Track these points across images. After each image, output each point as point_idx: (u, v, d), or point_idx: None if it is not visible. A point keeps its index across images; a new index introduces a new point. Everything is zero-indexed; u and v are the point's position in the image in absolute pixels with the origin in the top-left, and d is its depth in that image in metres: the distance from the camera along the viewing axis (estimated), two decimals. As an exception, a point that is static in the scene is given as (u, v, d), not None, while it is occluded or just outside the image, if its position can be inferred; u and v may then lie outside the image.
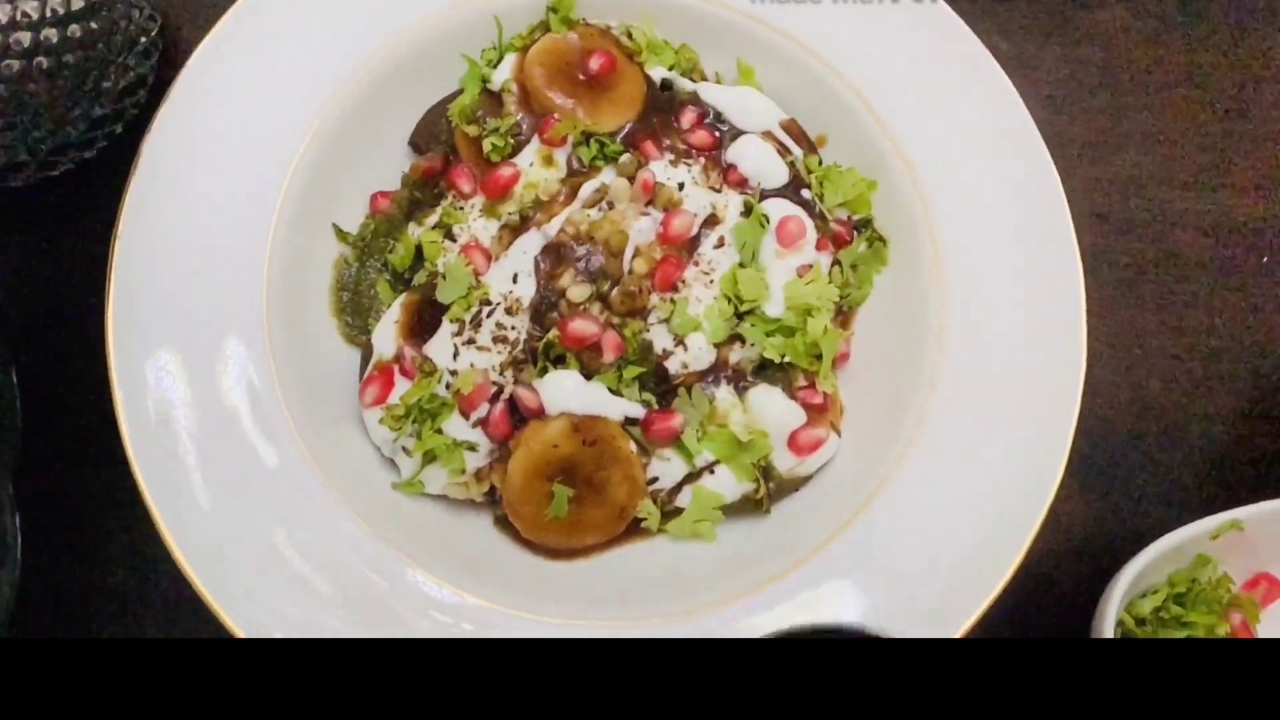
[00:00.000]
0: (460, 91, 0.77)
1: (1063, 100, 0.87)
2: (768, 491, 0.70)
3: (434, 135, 0.77)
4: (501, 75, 0.76)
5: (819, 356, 0.71)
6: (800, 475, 0.71)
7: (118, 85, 0.76)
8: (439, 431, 0.68)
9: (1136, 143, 0.86)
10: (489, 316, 0.70)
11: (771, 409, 0.70)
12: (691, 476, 0.70)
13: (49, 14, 0.66)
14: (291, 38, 0.73)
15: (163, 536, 0.62)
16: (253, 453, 0.65)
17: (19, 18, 0.65)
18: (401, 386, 0.70)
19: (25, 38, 0.65)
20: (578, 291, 0.69)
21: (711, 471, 0.70)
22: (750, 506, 0.71)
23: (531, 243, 0.71)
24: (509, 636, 0.63)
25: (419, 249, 0.74)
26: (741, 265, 0.72)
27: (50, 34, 0.67)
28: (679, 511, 0.70)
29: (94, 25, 0.69)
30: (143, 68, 0.78)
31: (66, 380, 0.74)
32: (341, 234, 0.75)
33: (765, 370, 0.72)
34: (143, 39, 0.77)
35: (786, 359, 0.70)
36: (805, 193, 0.75)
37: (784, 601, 0.65)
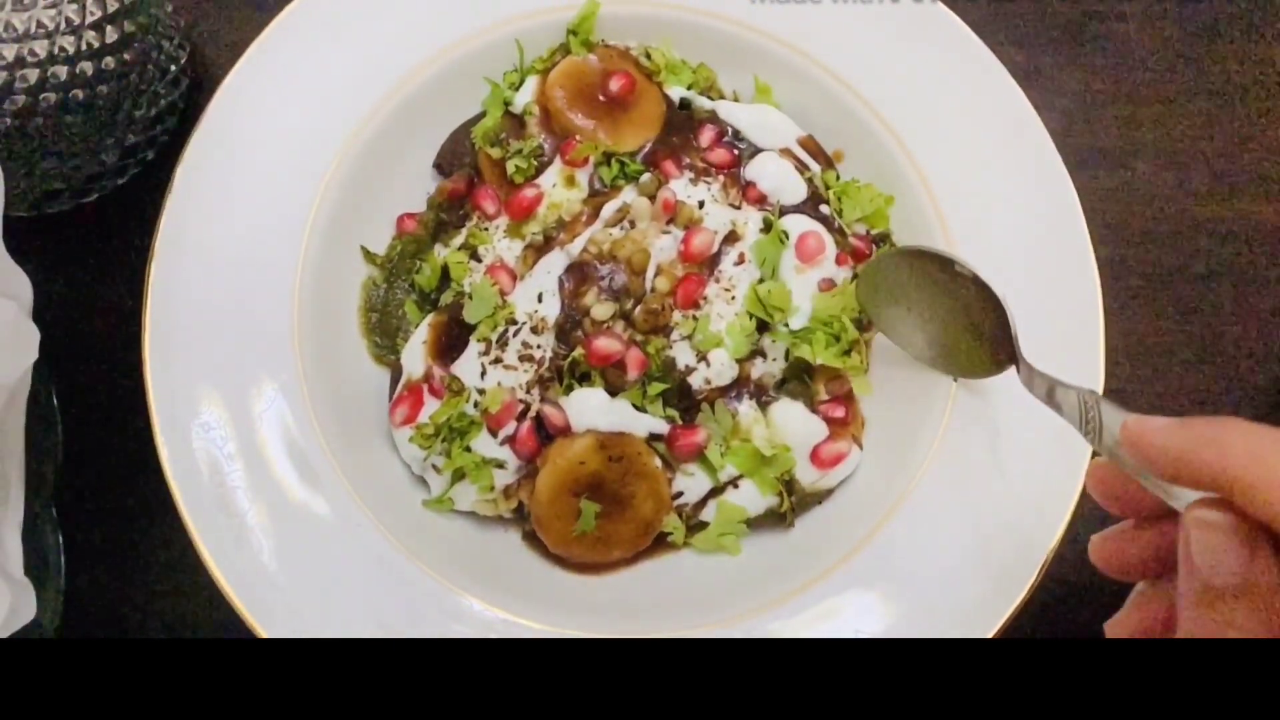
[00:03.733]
0: (483, 114, 0.79)
1: (1078, 111, 0.88)
2: (791, 505, 0.71)
3: (458, 158, 0.78)
4: (523, 98, 0.77)
5: (849, 352, 0.71)
6: (823, 488, 0.72)
7: (149, 113, 0.77)
8: (468, 449, 0.69)
9: (1152, 152, 0.87)
10: (515, 336, 0.71)
11: (794, 423, 0.71)
12: (716, 491, 0.71)
13: (84, 48, 0.68)
14: (317, 64, 0.75)
15: (202, 558, 0.64)
16: (290, 474, 0.67)
17: (56, 52, 0.67)
18: (430, 406, 0.71)
19: (62, 72, 0.67)
20: (601, 310, 0.70)
21: (735, 486, 0.71)
22: (774, 520, 0.72)
23: (555, 262, 0.72)
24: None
25: (445, 270, 0.75)
26: (761, 281, 0.73)
27: (85, 67, 0.68)
28: (704, 525, 0.71)
29: (127, 57, 0.71)
30: (173, 95, 0.80)
31: (104, 401, 0.75)
32: (369, 256, 0.77)
33: (787, 385, 0.73)
34: (172, 67, 0.79)
35: (817, 361, 0.71)
36: (824, 208, 0.76)
37: (808, 612, 0.66)
